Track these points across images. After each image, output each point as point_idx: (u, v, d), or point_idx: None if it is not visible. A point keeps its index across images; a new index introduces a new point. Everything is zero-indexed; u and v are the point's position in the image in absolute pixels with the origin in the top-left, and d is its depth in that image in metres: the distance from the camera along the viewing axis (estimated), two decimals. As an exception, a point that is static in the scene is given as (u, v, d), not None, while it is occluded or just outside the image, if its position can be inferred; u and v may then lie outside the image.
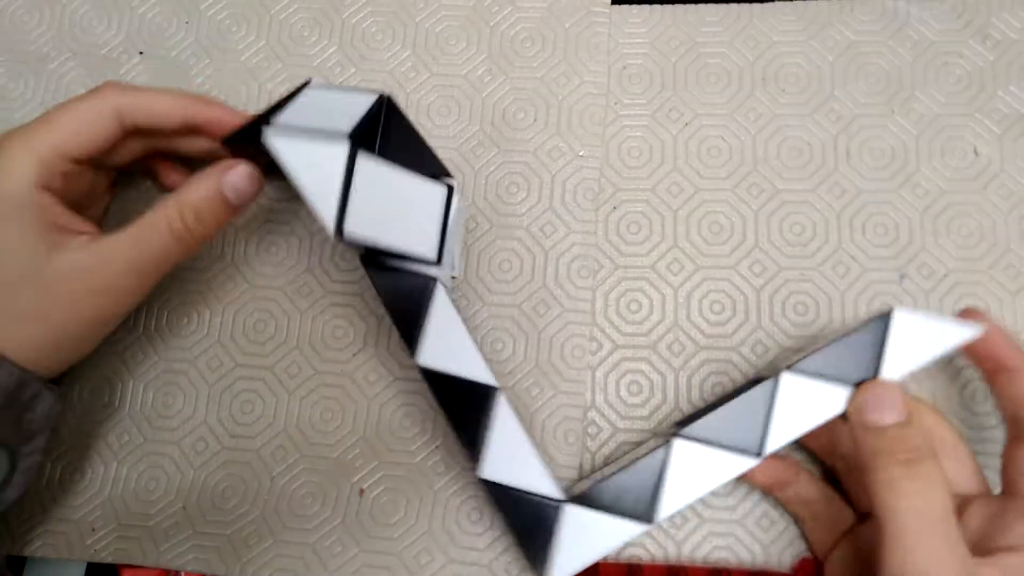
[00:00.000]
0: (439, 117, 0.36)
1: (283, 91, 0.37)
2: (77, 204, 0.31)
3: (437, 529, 0.31)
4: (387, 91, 0.28)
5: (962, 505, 0.26)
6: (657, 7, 0.37)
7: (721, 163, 0.35)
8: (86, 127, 0.29)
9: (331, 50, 0.38)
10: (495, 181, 0.35)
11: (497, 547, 0.31)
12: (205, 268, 0.35)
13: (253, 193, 0.29)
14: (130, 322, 0.35)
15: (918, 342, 0.26)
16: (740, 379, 0.32)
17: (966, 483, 0.27)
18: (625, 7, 0.37)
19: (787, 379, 0.27)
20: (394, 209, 0.26)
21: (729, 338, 0.33)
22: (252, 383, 0.34)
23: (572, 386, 0.33)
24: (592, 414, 0.32)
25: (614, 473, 0.27)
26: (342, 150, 0.24)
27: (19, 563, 0.33)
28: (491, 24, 0.37)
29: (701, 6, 0.37)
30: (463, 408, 0.28)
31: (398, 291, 0.28)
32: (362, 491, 0.32)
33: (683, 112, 0.35)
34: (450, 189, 0.29)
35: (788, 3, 0.36)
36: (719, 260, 0.33)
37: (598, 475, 0.29)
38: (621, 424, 0.32)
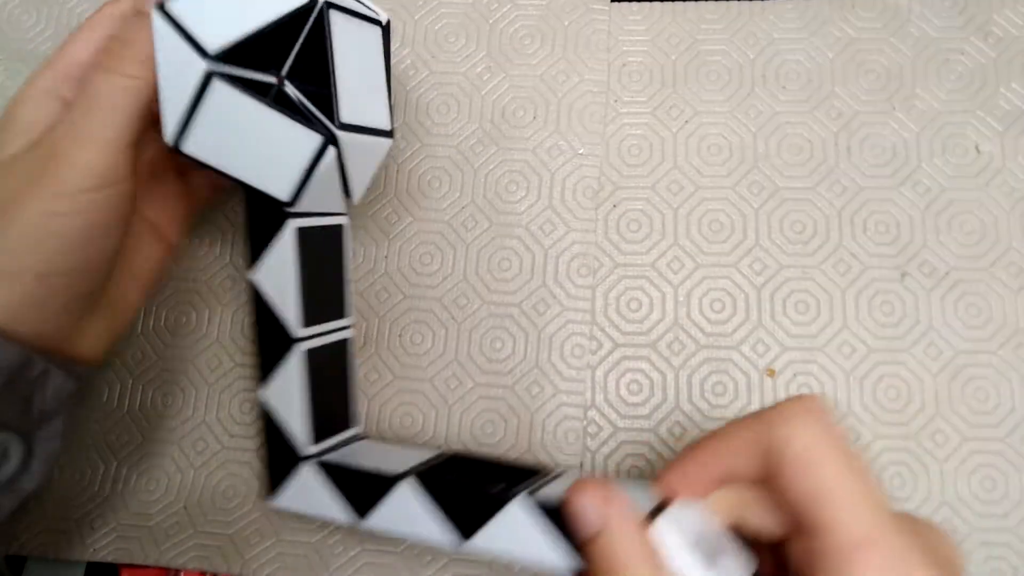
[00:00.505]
0: (438, 115, 0.36)
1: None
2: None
3: (437, 529, 0.31)
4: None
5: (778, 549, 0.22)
6: (657, 4, 0.37)
7: (721, 161, 0.34)
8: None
9: (330, 48, 0.38)
10: (494, 179, 0.35)
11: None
12: (204, 268, 0.35)
13: None
14: (129, 322, 0.35)
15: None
16: (740, 378, 0.32)
17: (766, 526, 0.22)
18: (625, 4, 0.37)
19: (516, 507, 0.25)
20: (248, 142, 0.25)
21: (730, 336, 0.33)
22: (250, 382, 0.34)
23: (572, 385, 0.33)
24: (592, 413, 0.32)
25: (364, 468, 0.28)
26: (199, 67, 0.24)
27: (19, 563, 0.33)
28: (490, 22, 0.37)
29: (701, 3, 0.37)
30: (270, 336, 0.29)
31: (260, 207, 0.28)
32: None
33: (683, 110, 0.35)
34: (326, 142, 0.26)
35: (788, 0, 0.36)
36: (719, 258, 0.33)
37: (348, 451, 0.30)
38: (621, 423, 0.32)
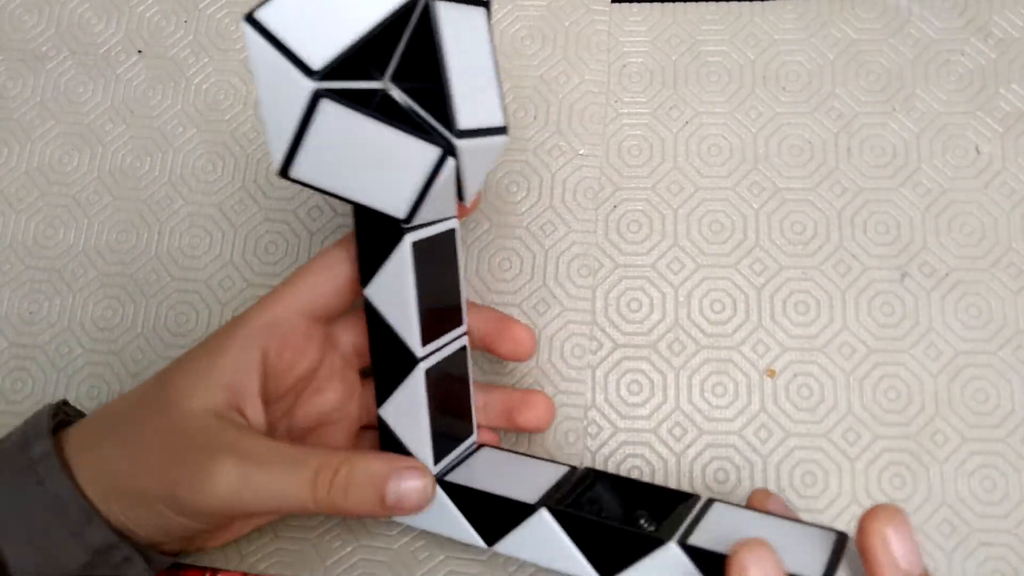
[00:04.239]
0: (439, 115, 0.36)
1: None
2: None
3: (437, 529, 0.31)
4: None
5: None
6: (657, 5, 0.37)
7: (721, 161, 0.35)
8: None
9: (330, 48, 0.38)
10: (495, 180, 0.35)
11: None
12: (204, 267, 0.35)
13: (416, 507, 0.26)
14: (128, 321, 0.35)
15: None
16: (740, 378, 0.32)
17: None
18: (625, 5, 0.37)
19: (670, 554, 0.24)
20: (361, 161, 0.23)
21: (730, 337, 0.33)
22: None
23: (572, 385, 0.33)
24: (592, 413, 0.32)
25: (492, 492, 0.27)
26: (304, 89, 0.21)
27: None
28: (491, 22, 0.37)
29: (701, 4, 0.37)
30: (388, 354, 0.27)
31: (371, 223, 0.26)
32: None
33: (683, 110, 0.35)
34: (444, 153, 0.24)
35: (789, 1, 0.36)
36: (719, 259, 0.33)
37: (470, 467, 0.29)
38: (622, 424, 0.32)
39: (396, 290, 0.26)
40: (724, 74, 0.36)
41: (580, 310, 0.33)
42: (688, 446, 0.32)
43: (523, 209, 0.35)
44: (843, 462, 0.31)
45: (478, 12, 0.26)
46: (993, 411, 0.31)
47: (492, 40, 0.27)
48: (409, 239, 0.26)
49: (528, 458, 0.30)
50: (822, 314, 0.32)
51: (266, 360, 0.27)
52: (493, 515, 0.27)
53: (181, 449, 0.25)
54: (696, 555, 0.24)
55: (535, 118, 0.36)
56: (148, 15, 0.39)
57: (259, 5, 0.22)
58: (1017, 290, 0.32)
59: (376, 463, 0.26)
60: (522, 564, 0.31)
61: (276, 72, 0.22)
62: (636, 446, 0.32)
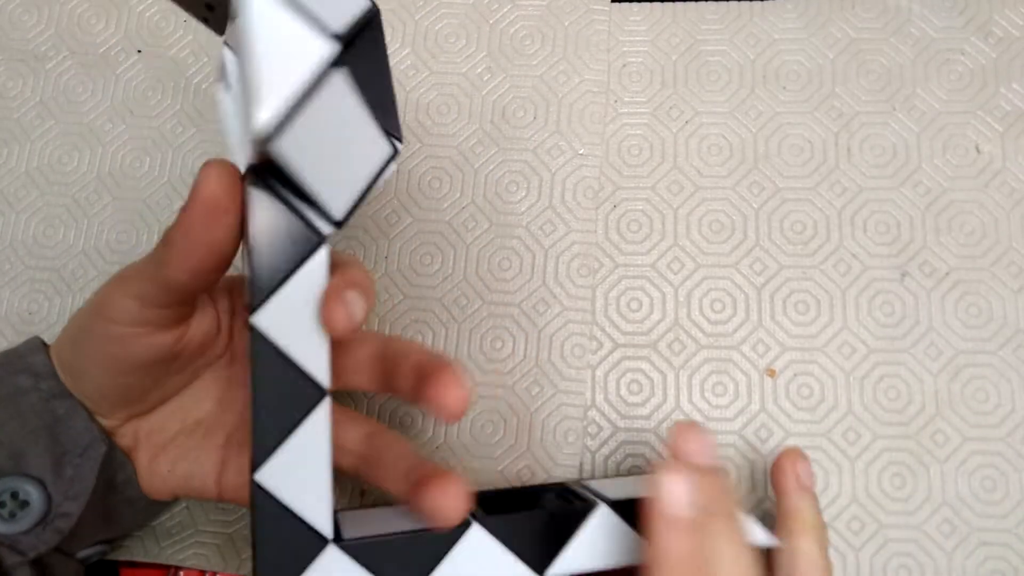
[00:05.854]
0: (438, 115, 0.36)
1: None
2: None
3: (437, 528, 0.31)
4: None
5: None
6: (657, 5, 0.37)
7: (722, 161, 0.34)
8: None
9: (330, 48, 0.38)
10: (495, 180, 0.35)
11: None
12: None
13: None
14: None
15: None
16: (740, 378, 0.32)
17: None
18: (625, 4, 0.37)
19: (603, 513, 0.25)
20: (335, 147, 0.21)
21: (730, 337, 0.33)
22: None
23: (572, 385, 0.33)
24: (592, 413, 0.32)
25: (399, 534, 0.25)
26: (324, 50, 0.20)
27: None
28: (491, 22, 0.37)
29: (701, 4, 0.37)
30: (276, 396, 0.23)
31: (274, 231, 0.22)
32: (363, 492, 0.32)
33: (683, 110, 0.35)
34: (394, 153, 0.23)
35: (789, 0, 0.36)
36: (720, 258, 0.33)
37: (381, 523, 0.26)
38: (621, 423, 0.32)
39: (302, 308, 0.23)
40: (724, 74, 0.36)
41: (580, 310, 0.33)
42: (688, 446, 0.32)
43: (523, 209, 0.35)
44: (843, 462, 0.31)
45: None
46: (993, 411, 0.31)
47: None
48: (326, 248, 0.23)
49: (391, 507, 0.27)
50: (822, 314, 0.32)
51: None
52: (410, 560, 0.24)
53: None
54: (624, 508, 0.26)
55: (535, 118, 0.36)
56: (148, 15, 0.39)
57: None
58: (1017, 289, 0.32)
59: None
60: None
61: (288, 31, 0.19)
62: (636, 446, 0.32)
